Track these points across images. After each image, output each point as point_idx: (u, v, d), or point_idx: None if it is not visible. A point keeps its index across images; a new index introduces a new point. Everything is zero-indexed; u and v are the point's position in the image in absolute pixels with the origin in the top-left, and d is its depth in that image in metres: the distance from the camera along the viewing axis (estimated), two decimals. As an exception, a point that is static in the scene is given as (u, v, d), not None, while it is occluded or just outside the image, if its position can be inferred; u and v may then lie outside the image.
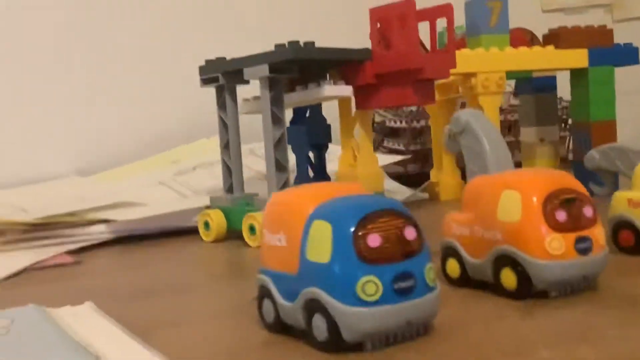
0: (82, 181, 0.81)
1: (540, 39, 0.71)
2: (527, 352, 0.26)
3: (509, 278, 0.33)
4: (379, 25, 0.57)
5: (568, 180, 0.34)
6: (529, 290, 0.32)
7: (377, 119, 0.90)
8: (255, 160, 0.80)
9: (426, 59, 0.56)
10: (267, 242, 0.31)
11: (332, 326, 0.27)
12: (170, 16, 0.94)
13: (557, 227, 0.32)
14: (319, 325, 0.28)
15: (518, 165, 0.73)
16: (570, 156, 0.81)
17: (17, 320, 0.33)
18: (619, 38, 0.71)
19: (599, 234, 0.33)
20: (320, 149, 0.66)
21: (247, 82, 0.59)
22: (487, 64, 0.65)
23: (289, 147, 0.58)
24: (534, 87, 0.76)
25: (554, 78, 0.77)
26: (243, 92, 0.61)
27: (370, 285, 0.27)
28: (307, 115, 0.66)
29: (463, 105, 0.79)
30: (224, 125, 0.61)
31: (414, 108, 0.87)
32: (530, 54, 0.67)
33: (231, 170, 0.61)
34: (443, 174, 0.75)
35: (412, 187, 0.79)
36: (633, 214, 0.40)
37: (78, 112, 0.89)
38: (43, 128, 0.87)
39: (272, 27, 0.95)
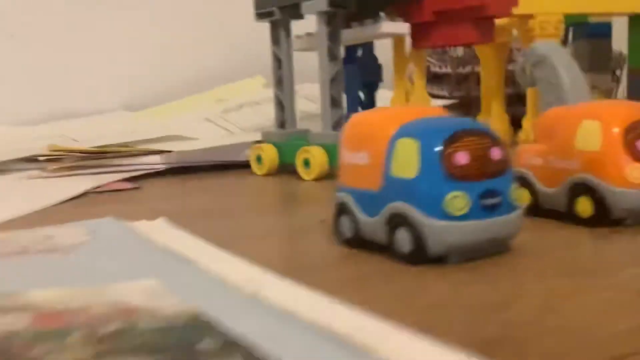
0: (131, 115, 0.82)
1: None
2: (611, 270, 0.27)
3: (584, 206, 0.33)
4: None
5: (648, 112, 0.33)
6: (605, 217, 0.33)
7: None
8: (298, 100, 0.80)
9: (488, -5, 0.55)
10: (346, 161, 0.32)
11: (417, 239, 0.28)
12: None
13: (637, 156, 0.32)
14: (403, 238, 0.28)
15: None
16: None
17: (98, 230, 0.34)
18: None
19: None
20: (371, 88, 0.66)
21: (302, 17, 0.58)
22: (546, 5, 0.64)
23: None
24: (589, 32, 0.74)
25: (609, 25, 0.75)
26: (294, 28, 0.61)
27: (458, 200, 0.27)
28: (359, 54, 0.66)
29: (517, 51, 0.78)
30: (277, 61, 0.61)
31: (460, 53, 0.86)
32: (589, -3, 0.66)
33: (284, 106, 0.61)
34: (492, 120, 0.74)
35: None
36: None
37: (124, 49, 0.89)
38: (91, 64, 0.87)
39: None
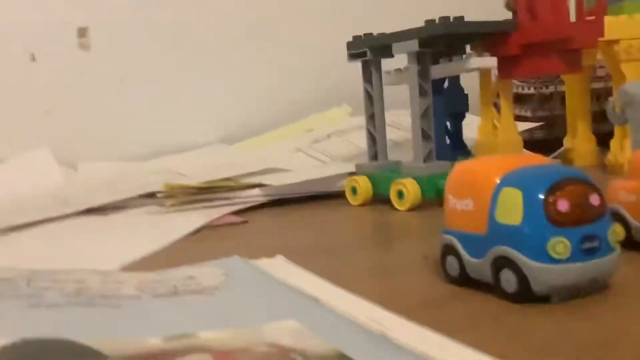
0: (227, 149, 0.88)
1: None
2: None
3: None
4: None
5: None
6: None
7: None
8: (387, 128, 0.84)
9: (574, 28, 0.57)
10: (452, 207, 0.35)
11: (522, 280, 0.31)
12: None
13: None
14: (509, 279, 0.31)
15: None
16: None
17: (231, 270, 0.38)
18: None
19: None
20: (458, 118, 0.69)
21: (392, 56, 0.62)
22: (631, 30, 0.65)
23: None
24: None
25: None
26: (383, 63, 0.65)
27: (560, 245, 0.30)
28: (445, 85, 0.69)
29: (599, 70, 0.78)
30: (369, 97, 0.65)
31: (544, 74, 0.87)
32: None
33: (376, 139, 0.65)
34: (578, 141, 0.75)
35: (539, 153, 0.80)
36: None
37: (220, 83, 0.96)
38: (189, 99, 0.94)
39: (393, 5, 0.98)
